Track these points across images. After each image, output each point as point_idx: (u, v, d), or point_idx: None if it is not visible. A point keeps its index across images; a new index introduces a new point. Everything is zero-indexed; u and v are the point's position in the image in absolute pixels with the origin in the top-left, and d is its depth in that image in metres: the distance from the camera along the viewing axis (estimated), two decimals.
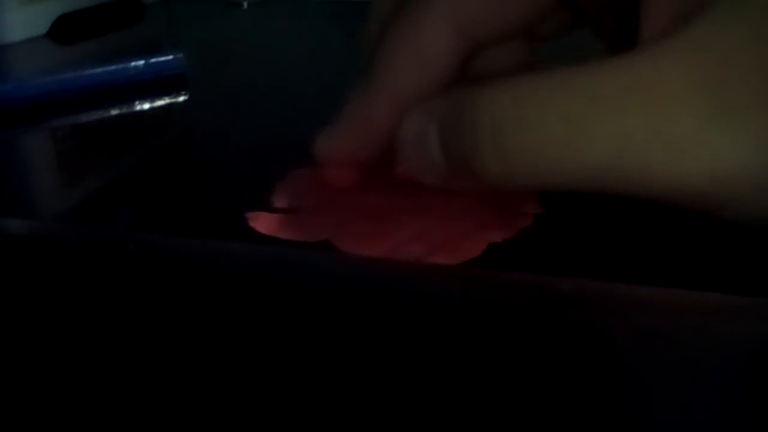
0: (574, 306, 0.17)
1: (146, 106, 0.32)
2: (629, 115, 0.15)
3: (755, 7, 0.15)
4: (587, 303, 0.17)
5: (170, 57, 0.35)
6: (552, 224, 0.20)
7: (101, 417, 0.19)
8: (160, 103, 0.33)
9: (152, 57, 0.34)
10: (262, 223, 0.20)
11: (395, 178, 0.22)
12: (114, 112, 0.31)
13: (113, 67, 0.33)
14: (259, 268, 0.19)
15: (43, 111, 0.31)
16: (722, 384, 0.15)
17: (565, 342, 0.16)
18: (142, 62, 0.34)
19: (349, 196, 0.22)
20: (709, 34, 0.15)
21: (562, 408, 0.15)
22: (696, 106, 0.15)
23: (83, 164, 0.26)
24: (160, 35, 0.52)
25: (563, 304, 0.17)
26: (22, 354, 0.22)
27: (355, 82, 0.21)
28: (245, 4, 0.60)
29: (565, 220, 0.20)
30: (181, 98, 0.34)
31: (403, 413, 0.16)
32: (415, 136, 0.19)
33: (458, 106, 0.17)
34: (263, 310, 0.18)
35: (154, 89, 0.34)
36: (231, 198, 0.22)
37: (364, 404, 0.17)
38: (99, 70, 0.33)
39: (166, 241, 0.20)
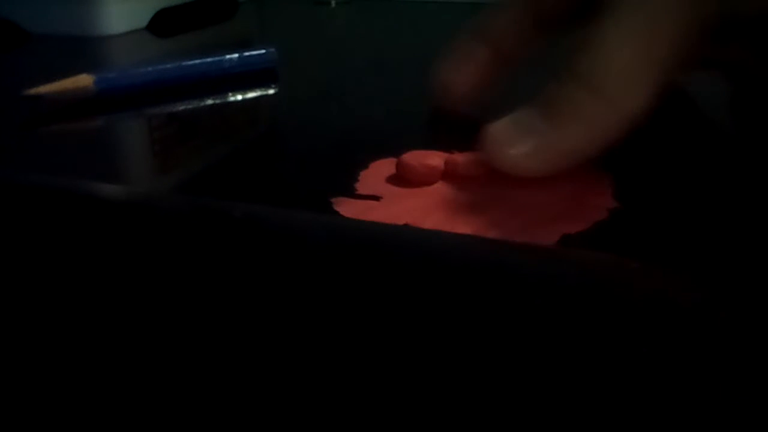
0: None
1: (238, 97, 0.34)
2: None
3: None
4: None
5: (263, 51, 0.36)
6: (626, 219, 0.21)
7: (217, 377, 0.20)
8: (251, 95, 0.34)
9: (245, 51, 0.36)
10: (346, 207, 0.21)
11: (474, 171, 0.23)
12: (208, 102, 0.33)
13: (209, 60, 0.35)
14: (355, 241, 0.20)
15: (142, 99, 0.33)
16: None
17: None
18: (236, 55, 0.36)
19: (430, 185, 0.23)
20: None
21: None
22: None
23: (176, 151, 0.27)
24: (251, 31, 0.54)
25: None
26: (116, 316, 0.23)
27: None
28: (333, 3, 0.62)
29: (639, 215, 0.21)
30: (271, 91, 0.35)
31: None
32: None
33: None
34: (355, 279, 0.19)
35: (245, 82, 0.36)
36: (317, 185, 0.23)
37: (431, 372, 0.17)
38: (196, 61, 0.35)
39: (270, 211, 0.21)
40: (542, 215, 0.21)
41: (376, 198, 0.22)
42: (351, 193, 0.22)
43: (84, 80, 0.32)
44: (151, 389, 0.24)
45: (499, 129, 0.22)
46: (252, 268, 0.21)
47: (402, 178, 0.23)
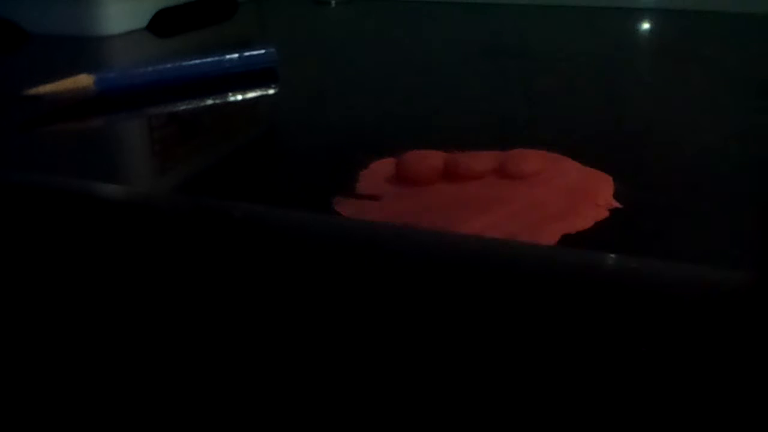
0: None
1: (238, 97, 0.34)
2: None
3: None
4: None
5: (263, 51, 0.36)
6: (626, 219, 0.21)
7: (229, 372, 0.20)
8: (251, 95, 0.34)
9: (246, 51, 0.36)
10: (347, 207, 0.21)
11: (474, 171, 0.23)
12: (208, 102, 0.33)
13: (209, 59, 0.35)
14: (354, 240, 0.20)
15: (142, 99, 0.33)
16: None
17: None
18: (236, 55, 0.36)
19: (430, 185, 0.23)
20: None
21: None
22: None
23: (176, 151, 0.27)
24: (251, 31, 0.54)
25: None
26: (117, 316, 0.23)
27: None
28: (333, 3, 0.62)
29: (639, 215, 0.21)
30: (271, 91, 0.35)
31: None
32: None
33: None
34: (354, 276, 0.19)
35: (245, 82, 0.36)
36: (317, 185, 0.23)
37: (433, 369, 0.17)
38: (196, 61, 0.35)
39: (270, 210, 0.21)
40: (542, 215, 0.21)
41: (376, 198, 0.22)
42: (351, 193, 0.22)
43: (84, 80, 0.32)
44: (151, 388, 0.24)
45: None
46: (252, 268, 0.21)
47: (402, 178, 0.23)
